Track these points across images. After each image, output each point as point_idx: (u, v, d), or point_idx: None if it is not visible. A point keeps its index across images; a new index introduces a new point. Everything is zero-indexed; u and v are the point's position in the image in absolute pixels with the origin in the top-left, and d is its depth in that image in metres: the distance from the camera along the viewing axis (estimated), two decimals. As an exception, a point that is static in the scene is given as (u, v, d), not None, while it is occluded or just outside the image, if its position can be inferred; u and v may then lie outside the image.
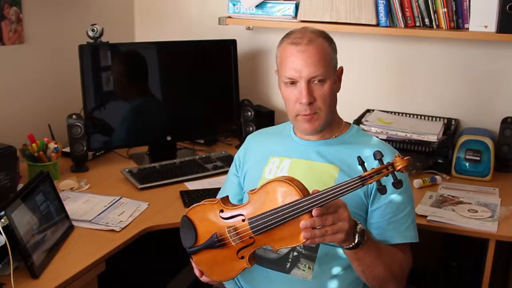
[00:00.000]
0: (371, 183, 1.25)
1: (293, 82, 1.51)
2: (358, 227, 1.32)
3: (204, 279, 1.52)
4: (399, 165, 1.24)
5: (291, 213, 1.27)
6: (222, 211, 1.42)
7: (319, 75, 1.48)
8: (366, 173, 1.25)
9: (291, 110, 1.55)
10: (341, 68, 1.59)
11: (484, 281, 1.83)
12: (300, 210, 1.26)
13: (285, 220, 1.29)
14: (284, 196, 1.31)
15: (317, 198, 1.25)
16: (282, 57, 1.53)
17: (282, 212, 1.29)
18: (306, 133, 1.59)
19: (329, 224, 1.25)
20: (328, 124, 1.56)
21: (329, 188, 1.26)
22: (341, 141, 1.59)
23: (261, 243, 1.36)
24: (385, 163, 1.25)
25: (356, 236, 1.32)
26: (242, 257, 1.39)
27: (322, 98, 1.51)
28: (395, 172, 1.25)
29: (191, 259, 1.50)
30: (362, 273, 1.42)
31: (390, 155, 1.52)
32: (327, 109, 1.52)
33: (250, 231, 1.35)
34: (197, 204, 1.48)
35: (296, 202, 1.27)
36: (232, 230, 1.38)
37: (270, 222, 1.31)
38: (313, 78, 1.49)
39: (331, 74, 1.52)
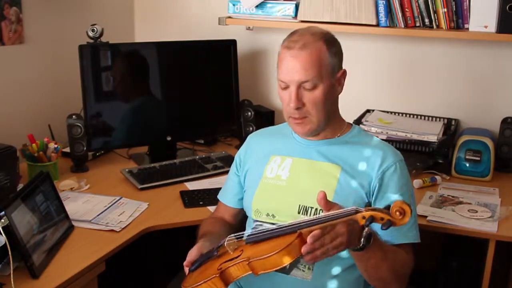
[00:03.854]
0: (361, 218, 1.23)
1: (286, 85, 1.51)
2: (365, 230, 1.31)
3: None
4: (397, 218, 1.21)
5: (286, 228, 1.29)
6: None
7: (308, 80, 1.48)
8: (364, 209, 1.25)
9: (284, 112, 1.56)
10: (343, 71, 1.57)
11: (484, 281, 1.83)
12: (295, 226, 1.28)
13: (277, 234, 1.30)
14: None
15: (311, 220, 1.27)
16: (279, 59, 1.54)
17: (278, 228, 1.31)
18: (299, 135, 1.59)
19: (328, 243, 1.25)
20: (323, 127, 1.56)
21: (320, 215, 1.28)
22: (343, 141, 1.59)
23: (244, 257, 1.32)
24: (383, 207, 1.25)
25: (362, 240, 1.31)
26: (220, 269, 1.35)
27: (312, 103, 1.50)
28: (387, 222, 1.23)
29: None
30: (366, 273, 1.42)
31: (391, 156, 1.53)
32: (318, 114, 1.52)
33: (245, 237, 1.36)
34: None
35: (293, 222, 1.29)
36: (230, 238, 1.39)
37: (263, 234, 1.33)
38: (302, 83, 1.49)
39: (325, 78, 1.50)
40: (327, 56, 1.50)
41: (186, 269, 1.46)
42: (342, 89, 1.58)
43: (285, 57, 1.50)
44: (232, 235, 1.43)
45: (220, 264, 1.35)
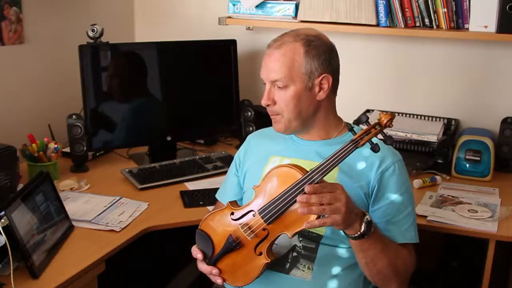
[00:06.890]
0: (363, 144, 1.31)
1: (264, 82, 1.55)
2: (365, 217, 1.34)
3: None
4: (384, 120, 1.32)
5: (295, 193, 1.32)
6: (232, 213, 1.45)
7: (278, 80, 1.49)
8: (356, 136, 1.32)
9: None
10: (325, 76, 1.50)
11: (484, 281, 1.83)
12: (301, 186, 1.30)
13: (291, 202, 1.33)
14: (286, 179, 1.35)
15: (316, 171, 1.31)
16: None
17: (287, 194, 1.34)
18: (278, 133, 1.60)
19: (326, 203, 1.27)
20: (299, 127, 1.56)
21: (325, 158, 1.32)
22: (341, 141, 1.58)
23: (275, 233, 1.38)
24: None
25: (363, 226, 1.33)
26: (261, 253, 1.40)
27: (283, 103, 1.51)
28: (383, 130, 1.33)
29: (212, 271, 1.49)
30: (366, 265, 1.42)
31: (390, 156, 1.52)
32: (289, 114, 1.52)
33: (262, 221, 1.38)
34: (207, 215, 1.50)
35: (297, 181, 1.32)
36: (245, 226, 1.41)
37: (278, 207, 1.35)
38: (274, 82, 1.51)
39: (298, 80, 1.49)
40: (301, 57, 1.48)
41: (201, 265, 1.50)
42: (325, 94, 1.51)
43: (265, 55, 1.54)
44: (238, 222, 1.44)
45: (255, 248, 1.40)
